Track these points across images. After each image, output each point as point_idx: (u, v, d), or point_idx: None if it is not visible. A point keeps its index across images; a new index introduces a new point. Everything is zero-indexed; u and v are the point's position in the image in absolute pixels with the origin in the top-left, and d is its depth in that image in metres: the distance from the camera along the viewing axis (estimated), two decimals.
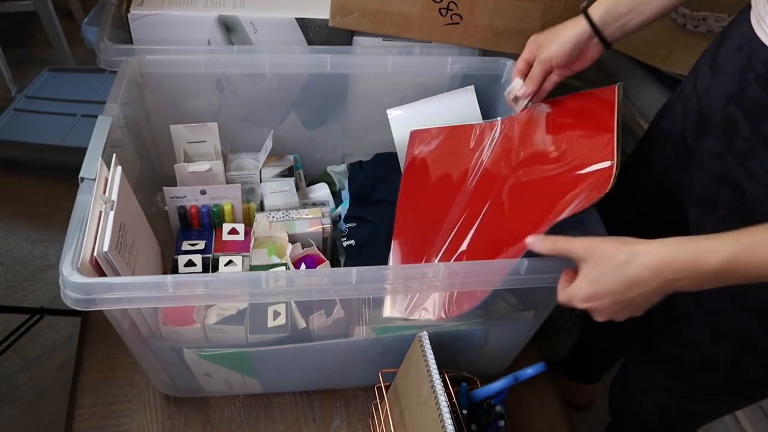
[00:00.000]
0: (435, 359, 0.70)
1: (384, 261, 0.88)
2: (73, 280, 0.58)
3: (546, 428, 0.93)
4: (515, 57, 0.84)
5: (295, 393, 0.91)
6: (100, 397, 0.87)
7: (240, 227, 0.92)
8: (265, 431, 0.87)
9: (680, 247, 0.53)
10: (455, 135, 0.91)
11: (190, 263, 0.87)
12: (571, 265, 0.62)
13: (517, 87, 0.80)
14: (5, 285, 1.47)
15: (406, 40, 0.95)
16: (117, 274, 0.67)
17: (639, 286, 0.55)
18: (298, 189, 0.99)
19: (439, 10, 0.90)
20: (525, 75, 0.79)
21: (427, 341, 0.72)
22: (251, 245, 0.87)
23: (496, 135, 0.87)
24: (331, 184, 1.06)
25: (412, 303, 0.79)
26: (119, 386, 0.89)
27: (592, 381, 1.30)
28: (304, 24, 0.93)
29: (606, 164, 0.67)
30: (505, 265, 0.67)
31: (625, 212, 0.84)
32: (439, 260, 0.83)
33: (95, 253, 0.63)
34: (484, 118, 0.94)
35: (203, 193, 0.90)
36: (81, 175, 0.68)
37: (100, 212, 0.67)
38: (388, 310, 0.79)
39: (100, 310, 0.63)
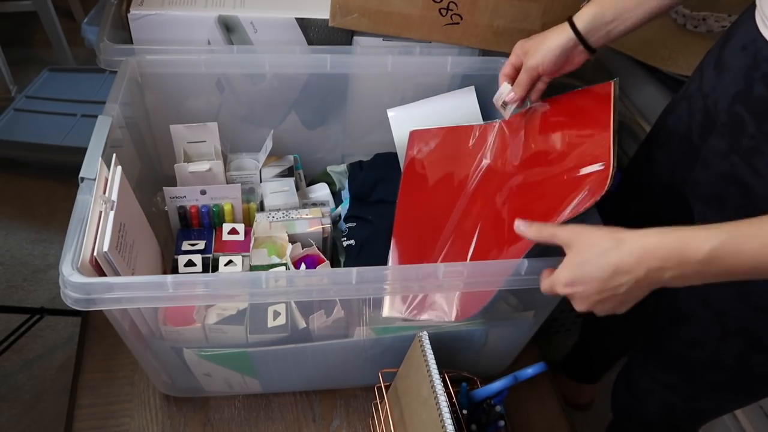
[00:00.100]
0: (435, 359, 0.70)
1: (384, 261, 0.88)
2: (73, 280, 0.58)
3: (546, 428, 0.93)
4: None
5: (295, 393, 0.91)
6: (100, 397, 0.87)
7: (240, 227, 0.92)
8: (265, 431, 0.87)
9: (667, 235, 0.52)
10: (454, 135, 0.91)
11: (190, 263, 0.87)
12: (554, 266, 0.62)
13: (506, 92, 0.80)
14: (5, 285, 1.47)
15: (406, 40, 0.95)
16: (117, 274, 0.67)
17: (623, 275, 0.54)
18: (298, 189, 0.99)
19: (439, 10, 0.90)
20: (512, 79, 0.80)
21: (427, 341, 0.72)
22: (251, 245, 0.87)
23: (496, 136, 0.87)
24: (331, 184, 1.06)
25: (413, 303, 0.79)
26: (119, 386, 0.89)
27: (593, 381, 1.30)
28: (304, 24, 0.93)
29: (603, 165, 0.67)
30: (505, 265, 0.67)
31: (630, 211, 0.84)
32: (439, 261, 0.83)
33: (95, 253, 0.63)
34: (484, 119, 0.94)
35: (203, 193, 0.90)
36: (81, 175, 0.68)
37: (100, 212, 0.67)
38: (387, 310, 0.79)
39: (100, 310, 0.63)
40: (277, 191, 0.97)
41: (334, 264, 0.94)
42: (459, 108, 0.95)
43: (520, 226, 0.63)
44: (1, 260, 1.53)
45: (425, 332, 0.73)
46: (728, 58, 0.65)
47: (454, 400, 0.75)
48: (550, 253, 0.64)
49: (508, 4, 0.89)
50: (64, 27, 1.97)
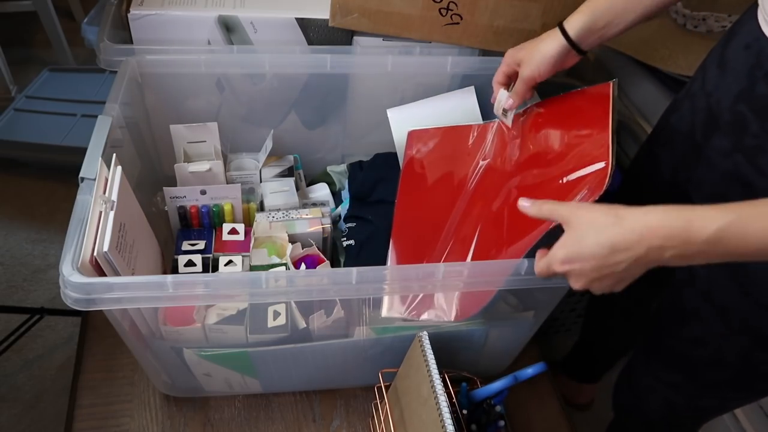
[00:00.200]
0: (435, 359, 0.70)
1: (384, 261, 0.88)
2: (73, 280, 0.58)
3: (546, 428, 0.93)
4: None
5: (295, 393, 0.91)
6: (100, 397, 0.87)
7: (240, 227, 0.92)
8: (265, 431, 0.87)
9: (670, 213, 0.51)
10: (453, 135, 0.91)
11: (190, 263, 0.87)
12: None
13: (504, 100, 0.81)
14: (5, 285, 1.47)
15: (406, 40, 0.95)
16: (117, 274, 0.67)
17: (622, 252, 0.52)
18: (298, 189, 0.99)
19: (439, 10, 0.90)
20: (505, 86, 0.81)
21: (427, 341, 0.72)
22: (251, 245, 0.87)
23: (494, 136, 0.87)
24: (331, 184, 1.06)
25: (413, 303, 0.79)
26: (119, 386, 0.89)
27: (593, 381, 1.30)
28: (304, 24, 0.93)
29: (601, 165, 0.68)
30: (506, 265, 0.67)
31: None
32: (438, 261, 0.83)
33: (95, 253, 0.63)
34: (483, 119, 0.94)
35: (203, 193, 0.90)
36: (81, 175, 0.68)
37: (100, 212, 0.67)
38: (386, 310, 0.79)
39: (100, 310, 0.63)
40: (277, 191, 0.97)
41: (334, 264, 0.94)
42: (459, 108, 0.95)
43: (523, 203, 0.62)
44: (1, 260, 1.53)
45: (425, 332, 0.73)
46: (731, 57, 0.65)
47: (454, 400, 0.75)
48: None
49: (508, 4, 0.89)
50: (64, 27, 1.97)
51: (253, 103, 0.98)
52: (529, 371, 0.75)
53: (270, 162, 1.02)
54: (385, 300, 0.79)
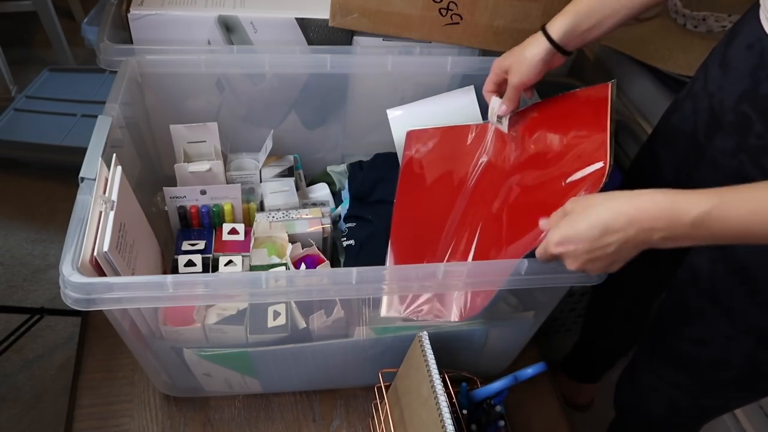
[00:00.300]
0: (435, 359, 0.70)
1: (384, 261, 0.88)
2: (73, 280, 0.58)
3: (546, 428, 0.93)
4: None
5: (295, 393, 0.91)
6: (100, 397, 0.87)
7: (240, 227, 0.92)
8: (265, 431, 0.87)
9: (658, 197, 0.53)
10: (451, 135, 0.91)
11: (190, 263, 0.87)
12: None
13: (497, 107, 0.81)
14: (5, 285, 1.47)
15: (406, 40, 0.95)
16: (117, 274, 0.67)
17: (614, 233, 0.54)
18: (298, 189, 0.99)
19: (439, 10, 0.90)
20: (496, 94, 0.82)
21: (427, 341, 0.72)
22: (251, 245, 0.87)
23: (493, 136, 0.87)
24: (331, 184, 1.06)
25: (412, 304, 0.79)
26: (119, 386, 0.89)
27: (593, 381, 1.30)
28: (304, 24, 0.93)
29: (599, 165, 0.68)
30: (505, 265, 0.67)
31: None
32: (437, 261, 0.83)
33: (95, 253, 0.63)
34: (483, 119, 0.94)
35: (203, 193, 0.90)
36: (81, 175, 0.68)
37: (100, 212, 0.67)
38: (385, 310, 0.79)
39: (100, 310, 0.63)
40: (277, 191, 0.97)
41: (334, 264, 0.94)
42: (459, 108, 0.95)
43: (543, 224, 0.64)
44: (1, 260, 1.53)
45: (425, 332, 0.73)
46: (734, 57, 0.65)
47: (454, 400, 0.75)
48: None
49: (508, 4, 0.89)
50: (64, 27, 1.97)
51: (253, 103, 0.98)
52: (529, 371, 0.75)
53: (270, 162, 1.02)
54: (384, 300, 0.79)
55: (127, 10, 0.89)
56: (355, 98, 1.00)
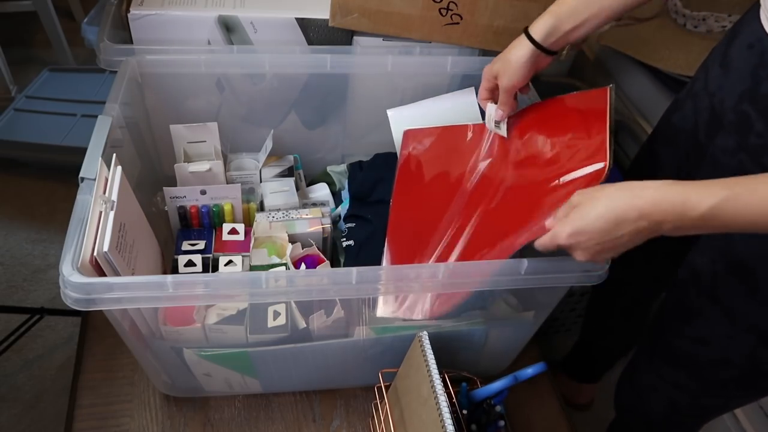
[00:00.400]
0: (435, 359, 0.70)
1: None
2: (73, 280, 0.58)
3: (546, 428, 0.93)
4: None
5: (295, 393, 0.91)
6: (100, 397, 0.87)
7: (240, 227, 0.92)
8: (265, 431, 0.87)
9: (669, 189, 0.54)
10: (449, 135, 0.91)
11: (190, 263, 0.87)
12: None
13: (493, 112, 0.81)
14: (5, 285, 1.47)
15: (406, 40, 0.95)
16: (117, 274, 0.67)
17: (625, 226, 0.55)
18: (298, 189, 0.99)
19: (439, 10, 0.90)
20: (492, 100, 0.81)
21: (427, 341, 0.72)
22: (251, 245, 0.87)
23: (491, 135, 0.87)
24: (331, 184, 1.06)
25: (405, 303, 0.78)
26: (119, 386, 0.89)
27: (593, 381, 1.30)
28: (304, 24, 0.93)
29: (599, 166, 0.68)
30: (505, 265, 0.67)
31: None
32: (434, 261, 0.83)
33: (95, 253, 0.63)
34: (483, 119, 0.94)
35: (203, 193, 0.90)
36: (81, 175, 0.68)
37: (100, 212, 0.67)
38: (381, 310, 0.79)
39: (100, 310, 0.63)
40: (277, 191, 0.97)
41: (334, 264, 0.94)
42: (459, 108, 0.95)
43: (549, 223, 0.63)
44: (1, 260, 1.53)
45: (425, 332, 0.73)
46: (734, 57, 0.65)
47: (454, 400, 0.75)
48: (552, 253, 0.64)
49: (508, 4, 0.89)
50: (64, 27, 1.97)
51: (253, 103, 0.98)
52: (529, 371, 0.75)
53: (270, 162, 1.02)
54: (380, 300, 0.79)
55: (127, 10, 0.89)
56: (355, 98, 1.00)
